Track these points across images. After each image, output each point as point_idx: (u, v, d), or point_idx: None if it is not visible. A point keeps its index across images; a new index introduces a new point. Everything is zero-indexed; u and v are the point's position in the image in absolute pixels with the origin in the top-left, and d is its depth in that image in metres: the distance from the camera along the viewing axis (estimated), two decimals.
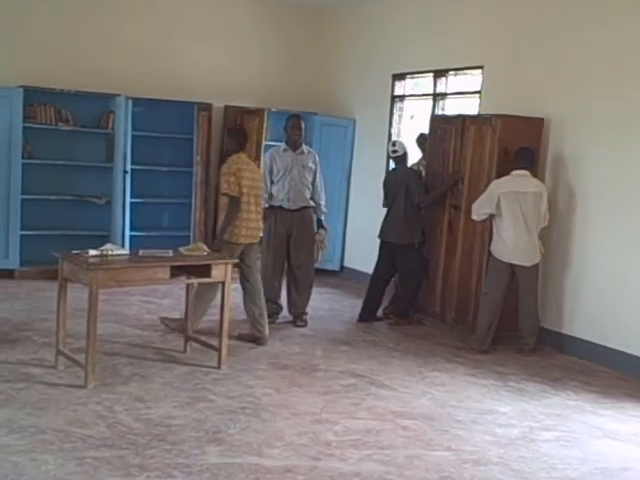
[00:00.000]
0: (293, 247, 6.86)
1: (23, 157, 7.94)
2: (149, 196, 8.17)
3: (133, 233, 8.25)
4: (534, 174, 6.42)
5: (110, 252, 5.17)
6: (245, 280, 6.18)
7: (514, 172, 6.31)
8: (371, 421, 4.66)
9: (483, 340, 6.36)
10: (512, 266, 6.30)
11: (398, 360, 6.03)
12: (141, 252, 5.40)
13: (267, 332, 6.20)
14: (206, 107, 8.80)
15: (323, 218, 7.01)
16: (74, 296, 5.53)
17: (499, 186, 6.29)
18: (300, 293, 6.94)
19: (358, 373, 5.60)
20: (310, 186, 6.88)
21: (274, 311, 6.91)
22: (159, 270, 5.13)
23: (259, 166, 7.03)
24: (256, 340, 6.16)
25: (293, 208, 6.81)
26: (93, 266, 4.86)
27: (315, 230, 6.94)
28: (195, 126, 8.76)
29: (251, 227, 6.08)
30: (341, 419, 4.65)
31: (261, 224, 6.30)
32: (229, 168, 5.99)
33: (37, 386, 4.85)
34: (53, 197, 8.25)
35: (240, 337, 6.18)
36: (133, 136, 8.26)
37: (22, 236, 7.97)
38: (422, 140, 7.57)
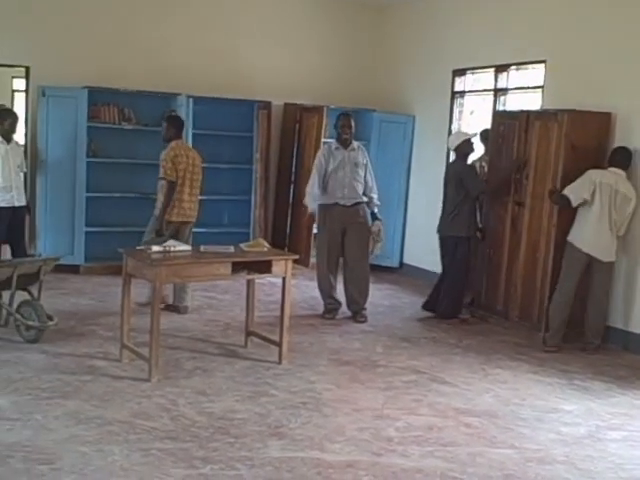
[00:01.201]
0: (347, 243, 6.86)
1: (88, 156, 8.12)
2: (210, 193, 8.23)
3: (194, 229, 8.31)
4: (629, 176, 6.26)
5: (173, 248, 5.25)
6: None
7: (611, 169, 6.18)
8: (433, 418, 4.62)
9: (556, 336, 6.24)
10: (589, 259, 6.16)
11: (460, 357, 5.97)
12: (202, 248, 5.45)
13: (187, 303, 6.74)
14: (265, 105, 8.89)
15: (377, 210, 7.02)
16: (138, 292, 5.62)
17: (597, 175, 6.13)
18: (358, 289, 6.92)
19: (419, 369, 5.56)
20: (362, 181, 6.90)
21: (333, 307, 6.93)
22: (221, 266, 5.17)
23: None
24: (176, 310, 6.68)
25: (348, 204, 6.82)
26: (156, 262, 4.94)
27: (370, 223, 6.94)
28: (255, 124, 8.85)
29: (184, 207, 6.63)
30: (402, 415, 4.62)
31: (194, 206, 6.75)
32: (167, 155, 6.54)
33: (103, 379, 4.95)
34: (117, 194, 8.41)
35: (165, 308, 6.50)
36: (194, 134, 8.34)
37: (87, 233, 8.14)
38: (486, 135, 7.48)
